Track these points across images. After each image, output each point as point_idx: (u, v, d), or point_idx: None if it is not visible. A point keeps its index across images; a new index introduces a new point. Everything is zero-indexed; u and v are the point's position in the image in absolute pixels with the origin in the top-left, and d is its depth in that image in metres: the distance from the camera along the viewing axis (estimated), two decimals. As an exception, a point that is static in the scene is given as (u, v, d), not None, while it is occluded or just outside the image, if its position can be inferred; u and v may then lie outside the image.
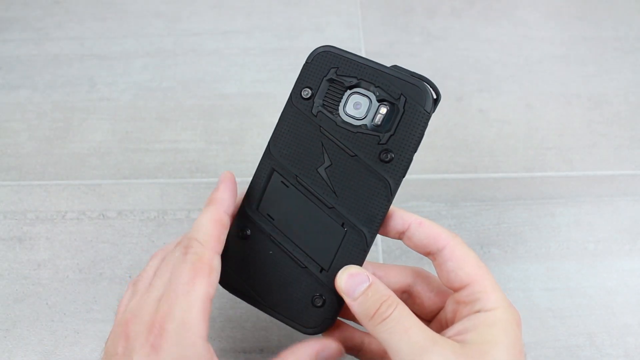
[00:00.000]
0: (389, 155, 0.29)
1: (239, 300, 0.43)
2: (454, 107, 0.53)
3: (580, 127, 0.51)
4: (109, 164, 0.49)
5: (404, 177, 0.30)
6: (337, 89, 0.30)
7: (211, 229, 0.29)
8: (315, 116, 0.30)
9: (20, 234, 0.45)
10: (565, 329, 0.41)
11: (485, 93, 0.54)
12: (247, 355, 0.40)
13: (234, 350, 0.40)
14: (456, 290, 0.29)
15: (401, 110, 0.29)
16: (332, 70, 0.30)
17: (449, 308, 0.30)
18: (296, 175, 0.30)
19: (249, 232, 0.31)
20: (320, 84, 0.30)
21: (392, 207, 0.30)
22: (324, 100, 0.30)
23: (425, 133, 0.29)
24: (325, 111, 0.30)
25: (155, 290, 0.28)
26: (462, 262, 0.29)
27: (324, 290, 0.30)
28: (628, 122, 0.52)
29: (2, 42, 0.58)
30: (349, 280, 0.28)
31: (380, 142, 0.29)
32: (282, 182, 0.31)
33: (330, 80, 0.30)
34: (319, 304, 0.30)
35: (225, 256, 0.30)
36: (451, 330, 0.28)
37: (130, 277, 0.43)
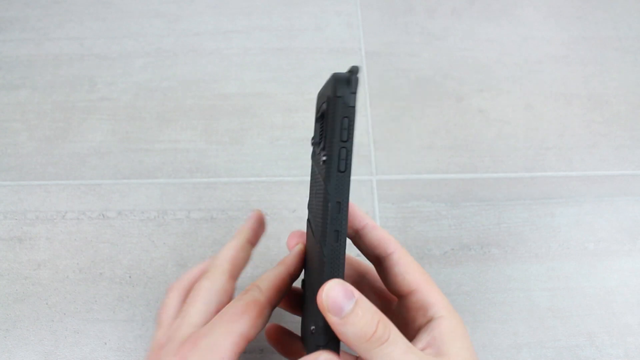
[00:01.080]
0: (322, 157, 0.27)
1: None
2: (454, 107, 0.53)
3: (580, 127, 0.51)
4: (109, 164, 0.49)
5: (337, 169, 0.26)
6: (320, 125, 0.29)
7: (274, 280, 0.30)
8: (312, 156, 0.31)
9: (20, 234, 0.45)
10: (565, 329, 0.41)
11: (485, 93, 0.54)
12: (247, 355, 0.40)
13: (234, 350, 0.40)
14: (402, 295, 0.30)
15: (326, 109, 0.27)
16: (319, 108, 0.29)
17: (400, 314, 0.30)
18: (308, 219, 0.32)
19: (303, 279, 0.33)
20: (315, 127, 0.30)
21: (353, 205, 0.30)
22: (313, 140, 0.31)
23: (355, 121, 0.27)
24: (315, 148, 0.30)
25: (189, 317, 0.28)
26: (409, 267, 0.29)
27: (317, 316, 0.27)
28: (628, 122, 0.52)
29: (2, 42, 0.58)
30: (332, 296, 0.24)
31: (320, 149, 0.28)
32: (310, 229, 0.31)
33: (317, 119, 0.29)
34: (311, 332, 0.27)
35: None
36: (419, 344, 0.28)
37: (130, 277, 0.43)
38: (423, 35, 0.58)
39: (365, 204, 0.47)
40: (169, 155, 0.50)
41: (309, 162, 0.49)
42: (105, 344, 0.40)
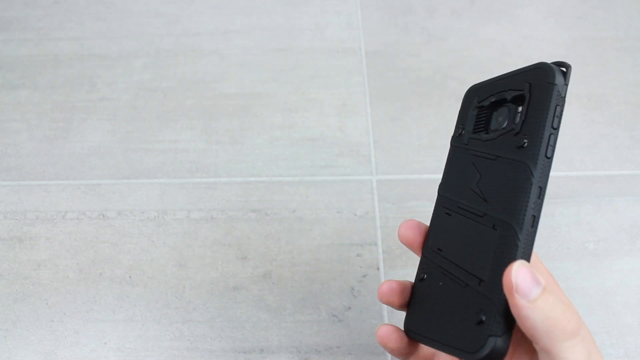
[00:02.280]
0: (523, 140, 0.28)
1: (239, 300, 0.43)
2: (454, 107, 0.53)
3: (580, 127, 0.51)
4: (109, 164, 0.49)
5: (545, 155, 0.27)
6: (483, 114, 0.31)
7: None
8: (467, 144, 0.31)
9: (20, 234, 0.45)
10: (565, 329, 0.41)
11: (485, 93, 0.54)
12: (247, 355, 0.40)
13: (234, 350, 0.40)
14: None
15: (528, 96, 0.29)
16: (475, 100, 0.32)
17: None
18: (456, 201, 0.31)
19: (424, 274, 0.31)
20: (468, 116, 0.32)
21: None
22: (473, 128, 0.31)
23: (564, 108, 0.28)
24: (473, 136, 0.31)
25: None
26: None
27: (484, 303, 0.26)
28: (628, 122, 0.52)
29: (2, 42, 0.58)
30: (521, 276, 0.23)
31: (515, 132, 0.28)
32: (445, 213, 0.31)
33: (475, 109, 0.32)
34: (480, 321, 0.26)
35: (411, 304, 0.31)
36: None
37: (130, 277, 0.43)
38: (423, 35, 0.58)
39: (365, 204, 0.47)
40: (169, 155, 0.50)
41: (309, 162, 0.49)
42: (105, 344, 0.40)
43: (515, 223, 0.27)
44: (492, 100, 0.31)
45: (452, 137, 0.33)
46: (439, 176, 0.33)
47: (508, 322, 0.25)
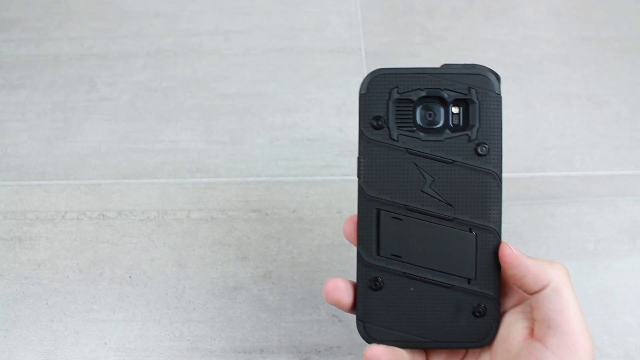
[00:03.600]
0: (484, 148, 0.30)
1: (239, 300, 0.43)
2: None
3: (580, 127, 0.51)
4: (109, 164, 0.49)
5: (502, 160, 0.30)
6: (406, 107, 0.30)
7: None
8: (397, 141, 0.30)
9: (20, 234, 0.45)
10: (565, 329, 0.41)
11: (485, 93, 0.54)
12: (247, 355, 0.40)
13: (234, 350, 0.40)
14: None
15: (476, 101, 0.30)
16: (393, 91, 0.30)
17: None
18: (405, 205, 0.30)
19: (380, 281, 0.30)
20: (388, 108, 0.30)
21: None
22: (397, 122, 0.30)
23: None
24: (403, 132, 0.30)
25: None
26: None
27: (480, 298, 0.30)
28: (628, 122, 0.52)
29: (2, 42, 0.58)
30: (512, 247, 0.29)
31: (471, 139, 0.30)
32: (393, 217, 0.30)
33: (396, 101, 0.30)
34: (481, 313, 0.30)
35: (365, 313, 0.30)
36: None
37: (130, 277, 0.43)
38: (423, 35, 0.58)
39: (365, 204, 0.47)
40: (169, 155, 0.50)
41: (309, 162, 0.49)
42: (105, 344, 0.40)
43: (496, 226, 0.30)
44: (422, 95, 0.30)
45: (364, 128, 0.30)
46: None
47: (499, 309, 0.30)
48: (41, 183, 0.48)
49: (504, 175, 0.31)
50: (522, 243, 0.45)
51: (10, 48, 0.57)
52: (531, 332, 0.28)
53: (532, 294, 0.28)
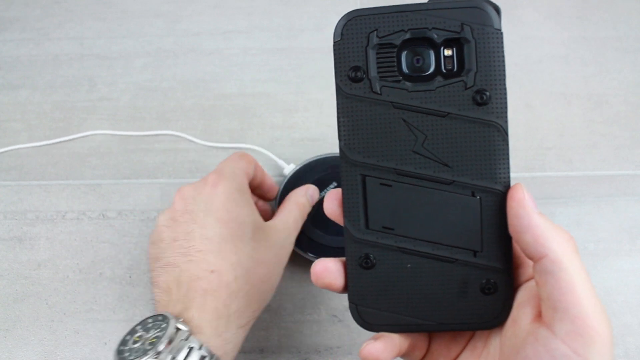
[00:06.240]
0: (484, 95, 0.25)
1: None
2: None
3: (580, 127, 0.51)
4: (109, 164, 0.49)
5: (507, 110, 0.25)
6: (388, 53, 0.26)
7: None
8: (380, 94, 0.26)
9: (20, 234, 0.45)
10: (565, 329, 0.41)
11: (485, 93, 0.54)
12: (247, 355, 0.40)
13: (234, 350, 0.40)
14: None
15: (472, 40, 0.25)
16: (372, 35, 0.26)
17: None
18: (394, 168, 0.26)
19: (372, 258, 0.26)
20: (367, 56, 0.26)
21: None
22: (379, 72, 0.26)
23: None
24: (387, 83, 0.26)
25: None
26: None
27: (490, 272, 0.26)
28: (628, 122, 0.52)
29: (2, 42, 0.58)
30: (529, 194, 0.25)
31: (468, 86, 0.25)
32: (381, 184, 0.26)
33: (376, 47, 0.26)
34: (490, 290, 0.26)
35: (358, 295, 0.26)
36: None
37: (130, 277, 0.43)
38: (423, 35, 0.58)
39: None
40: (169, 155, 0.50)
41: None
42: (105, 344, 0.40)
43: (503, 187, 0.25)
44: (406, 37, 0.25)
45: (340, 81, 0.26)
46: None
47: (512, 284, 0.26)
48: (41, 183, 0.48)
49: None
50: (522, 243, 0.45)
51: (10, 48, 0.57)
52: (539, 314, 0.24)
53: (533, 260, 0.24)
